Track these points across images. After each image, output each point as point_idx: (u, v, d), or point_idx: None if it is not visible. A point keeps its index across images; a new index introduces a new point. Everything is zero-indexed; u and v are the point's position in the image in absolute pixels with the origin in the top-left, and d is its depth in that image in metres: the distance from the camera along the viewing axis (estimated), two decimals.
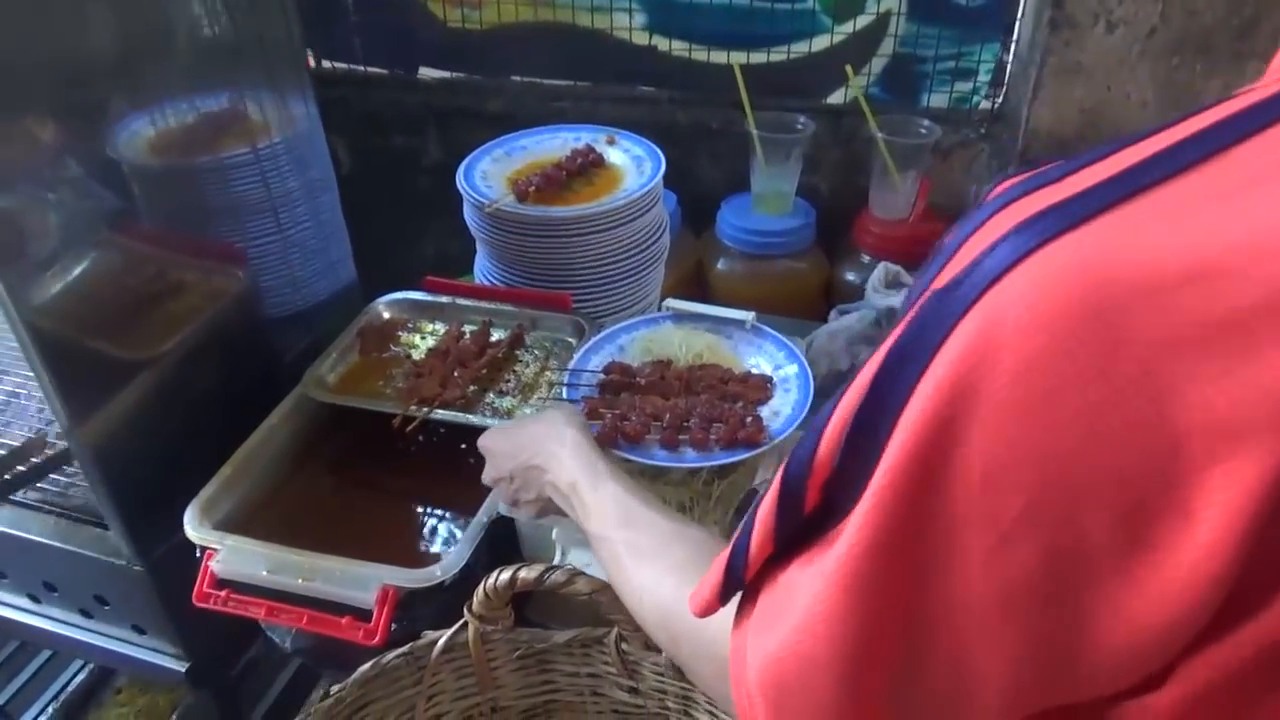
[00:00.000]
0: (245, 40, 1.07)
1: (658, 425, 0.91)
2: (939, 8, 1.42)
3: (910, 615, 0.37)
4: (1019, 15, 1.39)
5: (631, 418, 0.93)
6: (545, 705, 0.91)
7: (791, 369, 1.01)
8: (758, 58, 1.49)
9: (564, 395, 0.99)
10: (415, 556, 0.97)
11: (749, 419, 0.92)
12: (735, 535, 0.48)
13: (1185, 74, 1.22)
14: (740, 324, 1.06)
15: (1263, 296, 0.28)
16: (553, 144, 1.28)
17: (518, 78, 1.61)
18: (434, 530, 1.00)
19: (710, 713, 0.82)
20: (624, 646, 0.83)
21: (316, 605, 0.89)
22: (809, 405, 0.96)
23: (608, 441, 0.90)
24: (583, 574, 0.78)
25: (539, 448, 0.77)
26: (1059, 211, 0.31)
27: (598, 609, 0.80)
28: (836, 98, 1.52)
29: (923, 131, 1.38)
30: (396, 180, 1.68)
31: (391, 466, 1.07)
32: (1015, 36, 1.41)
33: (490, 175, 1.22)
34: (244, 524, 0.97)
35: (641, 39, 1.53)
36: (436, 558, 0.93)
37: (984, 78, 1.47)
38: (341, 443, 1.09)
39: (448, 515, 1.01)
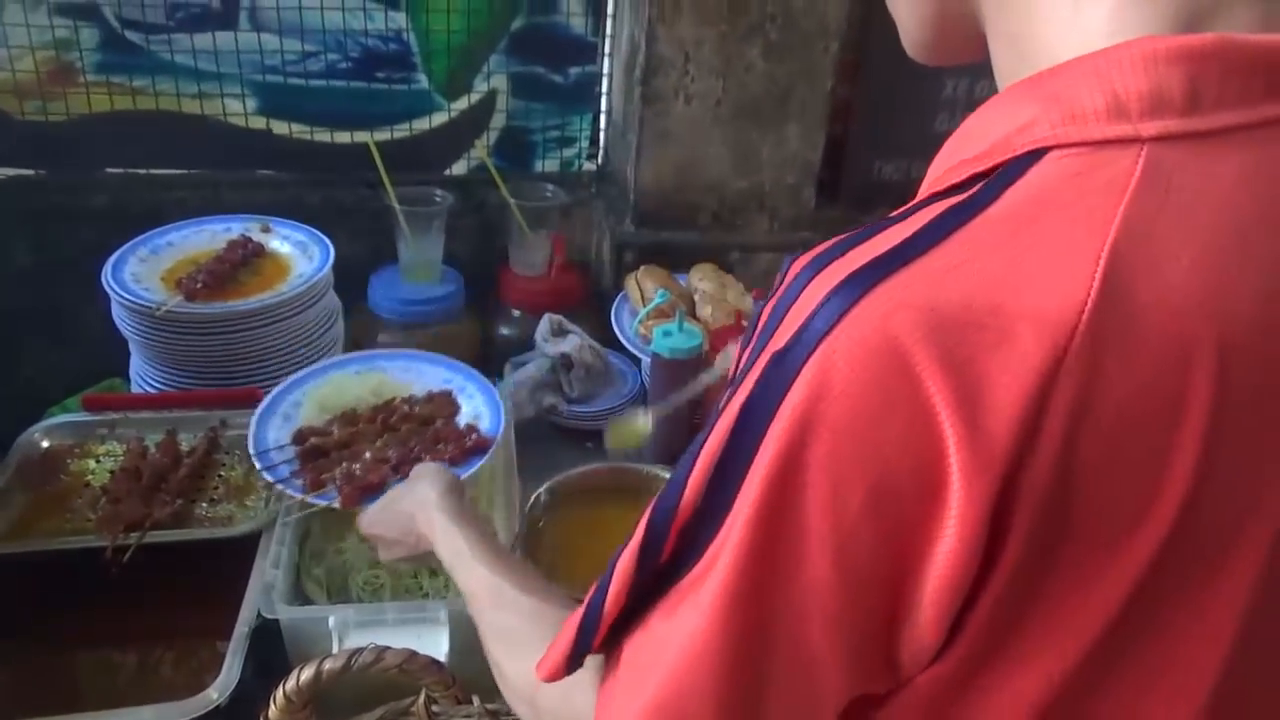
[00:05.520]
0: None
1: (391, 468, 0.95)
2: (538, 85, 1.60)
3: (769, 619, 0.44)
4: (606, 90, 1.62)
5: (358, 471, 0.94)
6: None
7: (456, 377, 1.13)
8: (381, 135, 1.55)
9: (268, 479, 0.98)
10: (168, 691, 0.89)
11: (464, 428, 1.02)
12: (589, 596, 0.52)
13: (746, 134, 1.53)
14: (391, 356, 1.16)
15: (992, 340, 0.40)
16: (200, 238, 1.24)
17: (116, 170, 1.50)
18: (178, 658, 0.93)
19: None
20: (434, 709, 0.85)
21: None
22: (499, 399, 1.09)
23: (353, 501, 0.92)
24: (388, 648, 0.80)
25: (417, 532, 0.79)
26: (855, 280, 0.42)
27: (398, 683, 0.83)
28: (459, 168, 1.63)
29: (548, 194, 1.54)
30: None
31: (101, 606, 0.96)
32: (607, 108, 1.64)
33: (142, 276, 1.15)
34: None
35: (257, 123, 1.51)
36: (197, 685, 0.88)
37: (584, 143, 1.68)
38: (28, 596, 0.95)
39: (187, 637, 0.94)
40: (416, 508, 0.82)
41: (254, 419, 1.03)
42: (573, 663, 0.52)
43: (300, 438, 1.01)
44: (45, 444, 1.07)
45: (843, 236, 0.46)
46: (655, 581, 0.48)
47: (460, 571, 0.74)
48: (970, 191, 0.44)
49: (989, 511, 0.40)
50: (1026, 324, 0.40)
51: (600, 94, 1.64)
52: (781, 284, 0.47)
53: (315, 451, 1.00)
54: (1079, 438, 0.40)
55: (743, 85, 1.49)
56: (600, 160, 1.68)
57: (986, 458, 0.40)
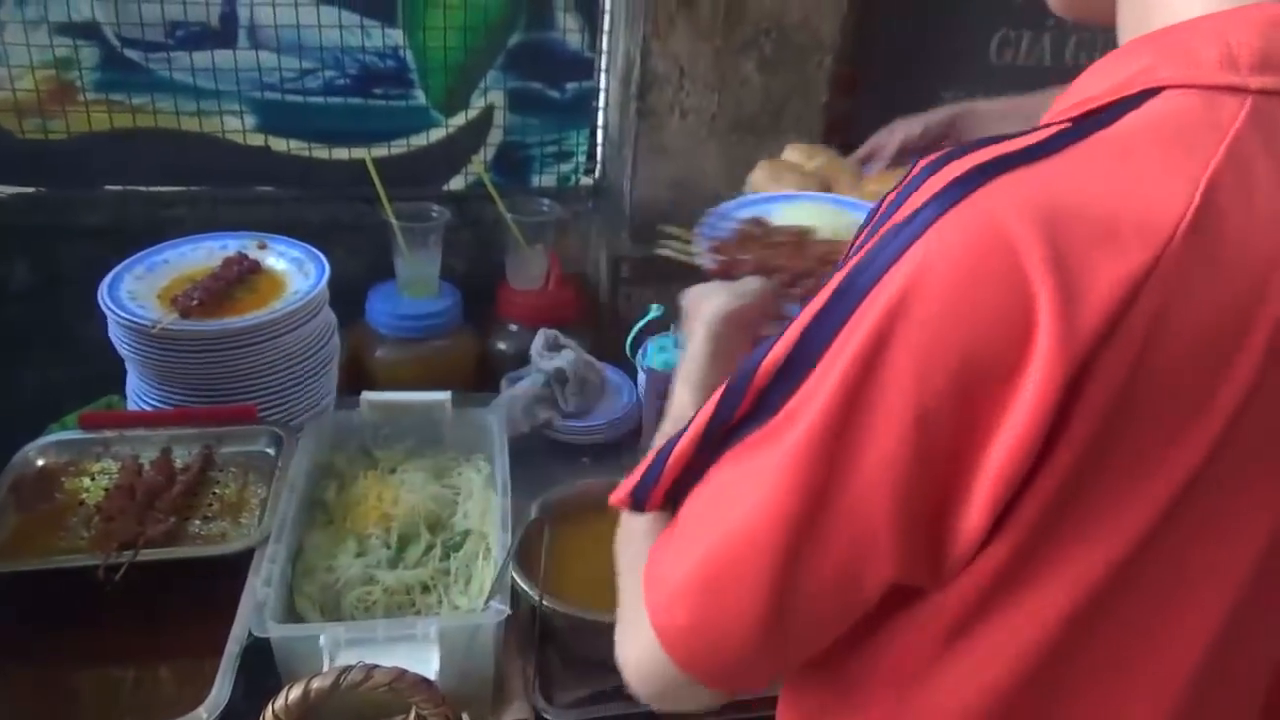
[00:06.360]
0: None
1: (760, 272, 0.92)
2: (535, 100, 1.61)
3: (841, 474, 0.46)
4: (603, 105, 1.63)
5: (741, 257, 0.95)
6: None
7: None
8: (379, 152, 1.56)
9: (702, 234, 0.99)
10: (160, 709, 0.89)
11: None
12: (658, 448, 0.55)
13: (741, 148, 1.53)
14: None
15: (1096, 235, 0.43)
16: (197, 255, 1.24)
17: (116, 187, 1.51)
18: (170, 676, 0.93)
19: None
20: None
21: None
22: None
23: (713, 273, 0.92)
24: (377, 666, 0.80)
25: (691, 328, 0.79)
26: (972, 175, 0.45)
27: (387, 702, 0.83)
28: (456, 184, 1.64)
29: (544, 209, 1.55)
30: None
31: (94, 625, 0.96)
32: (603, 123, 1.64)
33: (139, 294, 1.15)
34: None
35: (256, 141, 1.52)
36: (189, 703, 0.88)
37: (581, 158, 1.68)
38: (21, 614, 0.96)
39: (179, 654, 0.95)
40: (700, 318, 0.79)
41: (737, 200, 1.06)
42: (635, 500, 0.56)
43: (752, 219, 1.03)
44: (40, 462, 1.07)
45: (960, 145, 0.49)
46: (722, 439, 0.51)
47: (678, 401, 0.72)
48: (1065, 122, 0.48)
49: (1062, 391, 0.43)
50: (1129, 228, 0.43)
51: (597, 109, 1.64)
52: (905, 179, 0.50)
53: (747, 235, 1.01)
54: (1154, 341, 0.43)
55: (738, 99, 1.49)
56: (597, 175, 1.69)
57: (1072, 338, 0.42)
